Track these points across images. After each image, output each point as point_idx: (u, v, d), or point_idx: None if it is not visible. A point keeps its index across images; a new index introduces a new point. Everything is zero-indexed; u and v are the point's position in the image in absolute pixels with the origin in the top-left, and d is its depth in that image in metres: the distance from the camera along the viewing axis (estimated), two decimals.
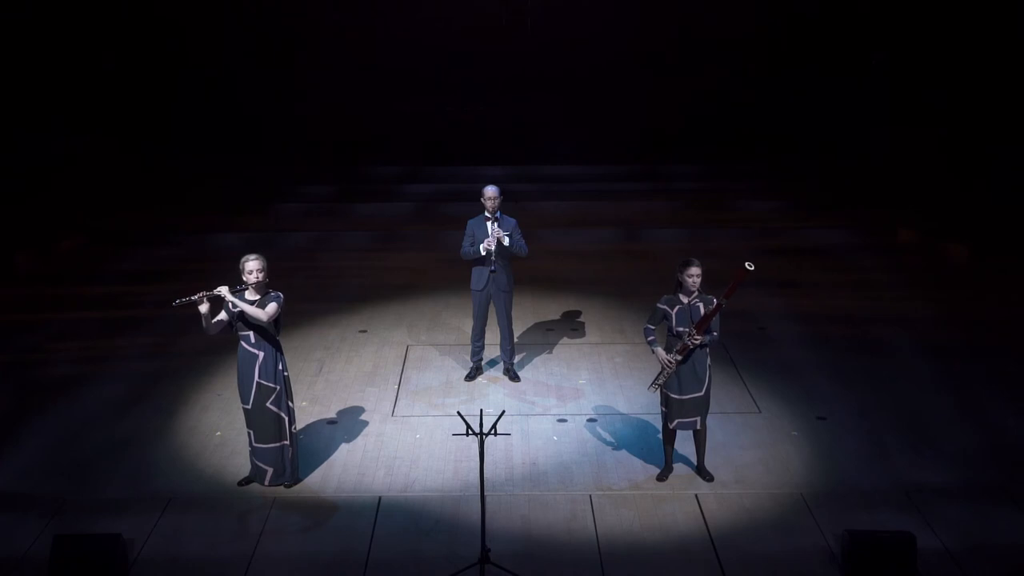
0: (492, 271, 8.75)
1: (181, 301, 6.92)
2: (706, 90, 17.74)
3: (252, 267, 7.00)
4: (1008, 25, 15.08)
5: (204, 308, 6.93)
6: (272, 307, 7.03)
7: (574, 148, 17.50)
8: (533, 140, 17.79)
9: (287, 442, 7.26)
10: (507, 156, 16.92)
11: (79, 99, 16.12)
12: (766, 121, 17.43)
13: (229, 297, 6.97)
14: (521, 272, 9.85)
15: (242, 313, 6.97)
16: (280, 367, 7.17)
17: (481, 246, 8.67)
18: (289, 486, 7.33)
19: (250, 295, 7.04)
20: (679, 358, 7.04)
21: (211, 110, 17.24)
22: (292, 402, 7.34)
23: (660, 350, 7.14)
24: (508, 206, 9.29)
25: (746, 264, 6.75)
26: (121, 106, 16.77)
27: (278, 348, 7.17)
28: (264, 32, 17.78)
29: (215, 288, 6.96)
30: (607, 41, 18.14)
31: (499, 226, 8.71)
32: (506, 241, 8.70)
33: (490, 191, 8.72)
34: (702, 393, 7.19)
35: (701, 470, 7.46)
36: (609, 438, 8.13)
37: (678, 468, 7.55)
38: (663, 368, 7.11)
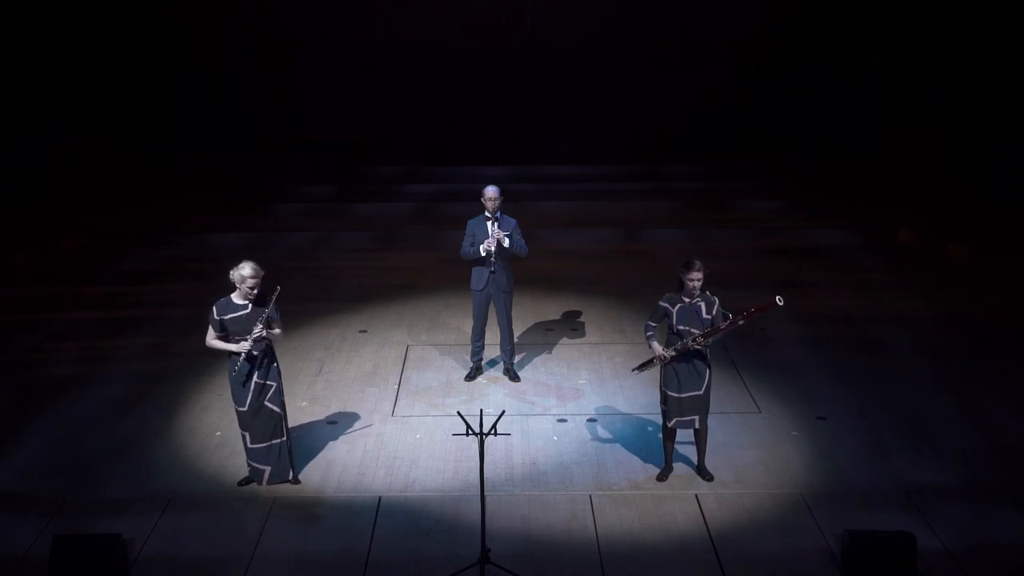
0: (492, 271, 8.74)
1: (243, 364, 6.97)
2: (706, 90, 17.72)
3: (253, 283, 6.91)
4: (1008, 25, 15.06)
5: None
6: (278, 331, 7.15)
7: (574, 148, 17.50)
8: (533, 140, 17.79)
9: (283, 438, 7.28)
10: (507, 156, 16.92)
11: (79, 99, 16.10)
12: (766, 121, 17.41)
13: (270, 333, 7.03)
14: (521, 272, 9.85)
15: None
16: (275, 363, 7.22)
17: (481, 247, 8.65)
18: (294, 482, 7.35)
19: (237, 298, 7.01)
20: (674, 354, 7.06)
21: (211, 110, 17.22)
22: (284, 397, 7.37)
23: (656, 344, 7.16)
24: (508, 206, 9.28)
25: (776, 298, 6.71)
26: (121, 106, 16.75)
27: (270, 345, 7.21)
28: (264, 32, 17.76)
29: (254, 333, 6.91)
30: (607, 41, 18.11)
31: (499, 226, 8.69)
32: (506, 242, 8.68)
33: (490, 191, 8.70)
34: (701, 392, 7.19)
35: (701, 470, 7.47)
36: (609, 438, 8.13)
37: (678, 468, 7.55)
38: (654, 358, 7.14)
